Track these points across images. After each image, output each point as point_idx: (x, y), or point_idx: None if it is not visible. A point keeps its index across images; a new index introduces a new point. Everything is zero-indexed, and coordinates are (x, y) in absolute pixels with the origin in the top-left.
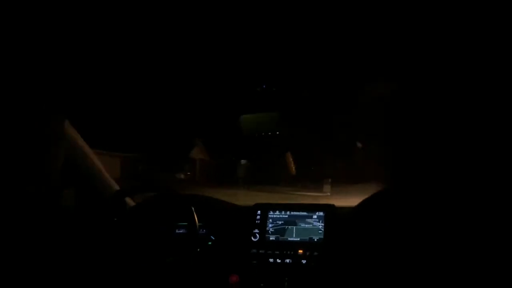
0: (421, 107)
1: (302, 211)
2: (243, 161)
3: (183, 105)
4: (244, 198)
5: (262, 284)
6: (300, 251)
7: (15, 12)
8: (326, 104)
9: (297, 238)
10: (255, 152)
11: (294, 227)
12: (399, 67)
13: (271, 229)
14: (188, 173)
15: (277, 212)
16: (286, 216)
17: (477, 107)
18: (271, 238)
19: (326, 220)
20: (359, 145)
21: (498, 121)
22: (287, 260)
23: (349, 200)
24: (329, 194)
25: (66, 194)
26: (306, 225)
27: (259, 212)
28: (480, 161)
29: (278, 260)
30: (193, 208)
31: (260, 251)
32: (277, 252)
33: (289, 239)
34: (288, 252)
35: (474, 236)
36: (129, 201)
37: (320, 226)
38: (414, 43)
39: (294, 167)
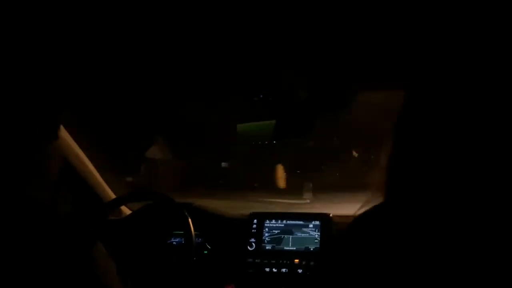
0: (421, 113)
1: (298, 220)
2: (224, 164)
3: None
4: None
5: None
6: (296, 260)
7: (15, 11)
8: (322, 109)
9: (293, 247)
10: (240, 156)
11: (291, 236)
12: (397, 71)
13: (267, 238)
14: (142, 175)
15: (273, 221)
16: (283, 225)
17: (478, 112)
18: (267, 247)
19: (322, 229)
20: (354, 153)
21: (499, 128)
22: (283, 270)
23: (345, 208)
24: (308, 201)
25: (63, 200)
26: (302, 234)
27: (255, 221)
28: (481, 168)
29: (274, 270)
30: (189, 217)
31: (256, 260)
32: (273, 261)
33: (285, 248)
34: (284, 262)
35: (479, 249)
36: (124, 210)
37: (316, 236)
38: (412, 45)
39: (283, 180)
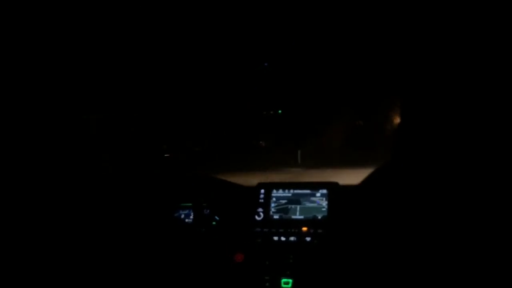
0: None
1: (306, 189)
2: None
3: None
4: None
5: (267, 262)
6: (304, 228)
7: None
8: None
9: (301, 216)
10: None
11: (298, 205)
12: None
13: (274, 208)
14: None
15: (280, 191)
16: (290, 194)
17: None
18: (275, 217)
19: (329, 198)
20: (360, 122)
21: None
22: (291, 238)
23: (352, 178)
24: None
25: (103, 158)
26: (310, 203)
27: (262, 191)
28: (482, 141)
29: (282, 238)
30: (198, 189)
31: (264, 230)
32: (281, 230)
33: (292, 217)
34: (292, 230)
35: (481, 214)
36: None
37: (324, 204)
38: (412, 44)
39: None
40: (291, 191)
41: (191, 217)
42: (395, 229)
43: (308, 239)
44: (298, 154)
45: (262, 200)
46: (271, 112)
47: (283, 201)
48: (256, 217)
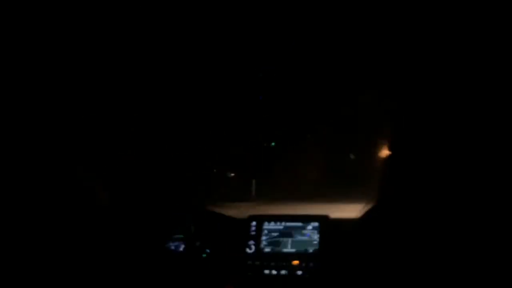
0: (416, 116)
1: (297, 222)
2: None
3: None
4: None
5: None
6: (295, 262)
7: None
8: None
9: (293, 249)
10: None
11: (290, 238)
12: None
13: (266, 241)
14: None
15: (272, 223)
16: (281, 227)
17: (475, 113)
18: (266, 250)
19: (321, 231)
20: (352, 156)
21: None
22: (283, 272)
23: (345, 211)
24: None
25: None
26: (302, 237)
27: (254, 223)
28: (473, 171)
29: (274, 272)
30: (190, 221)
31: (256, 263)
32: (273, 264)
33: (284, 250)
34: (284, 264)
35: (480, 247)
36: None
37: (315, 237)
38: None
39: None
40: (283, 223)
41: (182, 249)
42: (387, 264)
43: (299, 273)
44: (253, 185)
45: (253, 233)
46: (265, 144)
47: (275, 234)
48: (247, 249)
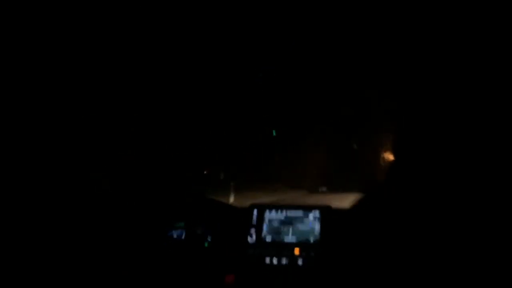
0: (419, 113)
1: (299, 212)
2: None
3: None
4: None
5: (258, 284)
6: (297, 252)
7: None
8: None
9: (294, 238)
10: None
11: (291, 227)
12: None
13: (267, 230)
14: None
15: (274, 212)
16: (283, 216)
17: (476, 109)
18: (267, 239)
19: (322, 220)
20: (355, 146)
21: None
22: (283, 261)
23: (345, 201)
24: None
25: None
26: (303, 226)
27: (255, 212)
28: (477, 160)
29: (275, 261)
30: (191, 210)
31: (257, 252)
32: (274, 253)
33: (285, 239)
34: (285, 253)
35: (473, 235)
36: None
37: (317, 227)
38: (409, 47)
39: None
40: (284, 213)
41: (183, 237)
42: (386, 254)
43: (300, 262)
44: (231, 190)
45: (255, 222)
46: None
47: (276, 223)
48: (249, 238)
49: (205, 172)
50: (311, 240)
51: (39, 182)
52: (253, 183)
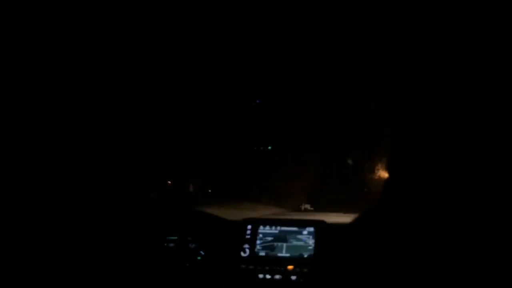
0: (416, 120)
1: (293, 227)
2: None
3: None
4: None
5: None
6: (290, 267)
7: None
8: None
9: (287, 254)
10: None
11: (284, 243)
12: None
13: (261, 245)
14: None
15: (267, 227)
16: (277, 231)
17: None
18: (260, 254)
19: (316, 236)
20: (349, 162)
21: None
22: (277, 276)
23: (340, 217)
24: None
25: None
26: (297, 241)
27: (249, 227)
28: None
29: (268, 276)
30: (184, 223)
31: (250, 267)
32: (267, 268)
33: (279, 255)
34: (278, 268)
35: (472, 258)
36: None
37: (311, 242)
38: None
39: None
40: (278, 228)
41: (176, 250)
42: (381, 271)
43: (293, 278)
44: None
45: (248, 236)
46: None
47: (270, 238)
48: (242, 253)
49: (168, 182)
50: (305, 255)
51: (32, 183)
52: (234, 197)
